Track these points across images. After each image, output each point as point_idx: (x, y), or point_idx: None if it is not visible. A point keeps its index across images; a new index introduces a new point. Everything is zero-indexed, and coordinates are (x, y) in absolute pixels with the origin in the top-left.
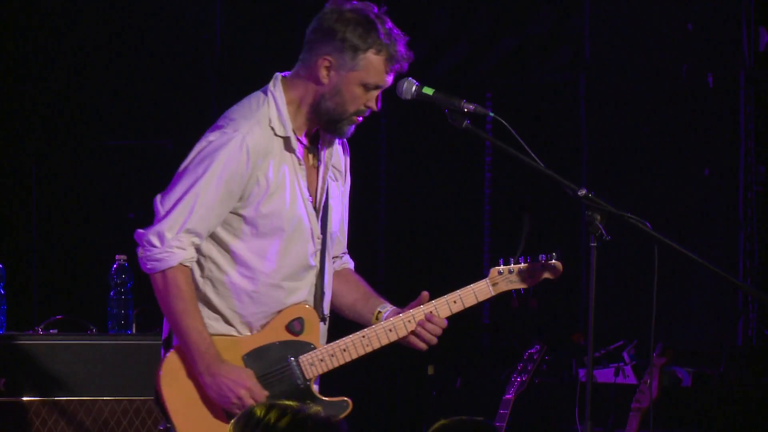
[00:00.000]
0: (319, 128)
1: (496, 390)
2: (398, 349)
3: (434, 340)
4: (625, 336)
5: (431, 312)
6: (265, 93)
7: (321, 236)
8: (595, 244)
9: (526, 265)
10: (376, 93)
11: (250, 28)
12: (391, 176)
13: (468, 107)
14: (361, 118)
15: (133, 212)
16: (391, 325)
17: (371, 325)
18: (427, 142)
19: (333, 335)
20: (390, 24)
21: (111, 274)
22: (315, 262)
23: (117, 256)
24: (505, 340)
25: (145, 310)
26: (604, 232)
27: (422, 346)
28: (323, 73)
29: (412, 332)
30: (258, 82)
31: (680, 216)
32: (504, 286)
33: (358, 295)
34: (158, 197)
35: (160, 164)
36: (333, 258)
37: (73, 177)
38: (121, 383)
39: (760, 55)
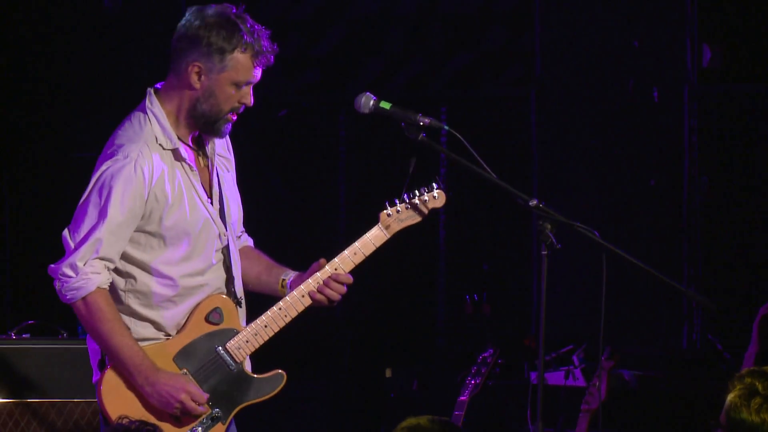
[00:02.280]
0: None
1: (451, 392)
2: (357, 353)
3: (338, 297)
4: (574, 340)
5: (336, 270)
6: (144, 111)
7: (226, 233)
8: (546, 252)
9: (409, 202)
10: (247, 89)
11: None
12: (350, 188)
13: (423, 121)
14: (235, 116)
15: None
16: (302, 291)
17: (278, 293)
18: (383, 154)
19: (253, 315)
20: (251, 21)
21: None
22: (221, 255)
23: None
24: (460, 345)
25: None
26: (554, 240)
27: (327, 303)
28: (194, 78)
29: (319, 291)
30: None
31: (627, 224)
32: (396, 226)
33: (261, 268)
34: (66, 232)
35: None
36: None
37: (45, 187)
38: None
39: (704, 71)
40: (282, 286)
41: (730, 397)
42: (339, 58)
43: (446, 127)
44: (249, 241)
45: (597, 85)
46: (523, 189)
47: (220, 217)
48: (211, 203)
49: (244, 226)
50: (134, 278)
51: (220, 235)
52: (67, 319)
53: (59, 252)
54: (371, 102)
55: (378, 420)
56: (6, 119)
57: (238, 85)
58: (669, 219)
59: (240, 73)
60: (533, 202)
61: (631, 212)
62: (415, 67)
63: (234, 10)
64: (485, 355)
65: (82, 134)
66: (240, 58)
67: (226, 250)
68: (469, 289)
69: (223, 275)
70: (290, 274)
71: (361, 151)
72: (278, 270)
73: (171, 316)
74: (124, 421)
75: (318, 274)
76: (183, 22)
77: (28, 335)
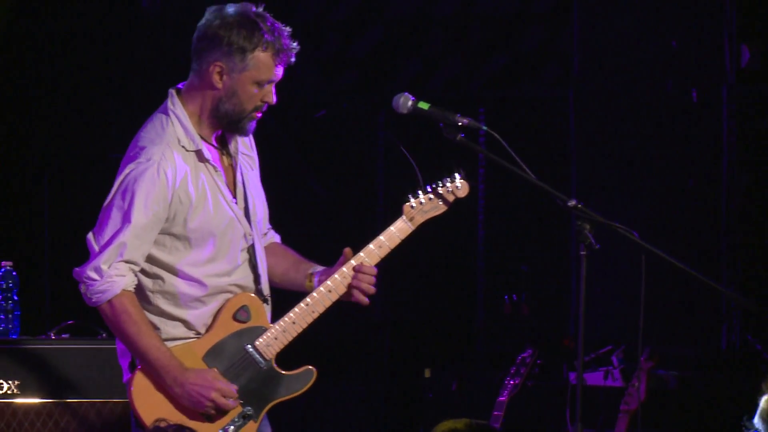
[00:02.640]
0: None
1: (490, 392)
2: (396, 353)
3: (372, 290)
4: (613, 341)
5: (361, 263)
6: (166, 113)
7: (251, 233)
8: (585, 253)
9: (432, 193)
10: (269, 88)
11: None
12: (389, 189)
13: (462, 121)
14: (260, 114)
15: None
16: (329, 286)
17: (305, 288)
18: (421, 155)
19: (278, 313)
20: (271, 20)
21: None
22: (247, 254)
23: None
24: (499, 345)
25: None
26: (593, 241)
27: (363, 299)
28: (216, 78)
29: (351, 286)
30: None
31: (665, 225)
32: (420, 218)
33: (288, 264)
34: (90, 235)
35: None
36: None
37: (84, 186)
38: None
39: (742, 71)
40: (309, 281)
41: (764, 399)
42: (377, 58)
43: (484, 128)
44: (276, 238)
45: (635, 85)
46: (561, 189)
47: (246, 217)
48: (236, 203)
49: (279, 224)
50: (162, 279)
51: (245, 234)
52: None
53: None
54: (409, 102)
55: (416, 420)
56: (44, 119)
57: (260, 84)
58: (708, 219)
59: (262, 71)
60: (572, 203)
61: (669, 213)
62: (453, 68)
63: (254, 9)
64: (524, 355)
65: (121, 134)
66: (261, 57)
67: (251, 249)
68: (508, 290)
69: (250, 274)
70: (317, 269)
71: (399, 151)
72: (305, 265)
73: (200, 314)
74: (162, 424)
75: (343, 268)
76: (203, 21)
77: (67, 335)
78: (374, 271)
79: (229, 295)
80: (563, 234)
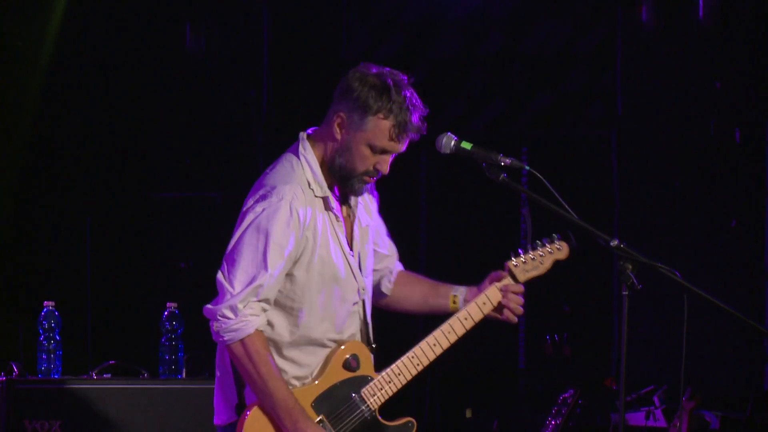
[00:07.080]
0: None
1: None
2: (438, 393)
3: (521, 310)
4: (655, 381)
5: (503, 288)
6: (297, 155)
7: (364, 287)
8: (627, 293)
9: (534, 252)
10: (384, 157)
11: (296, 83)
12: (431, 228)
13: (504, 161)
14: (371, 180)
15: (183, 262)
16: (450, 326)
17: (449, 311)
18: (465, 195)
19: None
20: (409, 93)
21: (162, 321)
22: (356, 309)
23: (168, 304)
24: (540, 385)
25: (195, 356)
26: (635, 281)
27: (513, 318)
28: (336, 129)
29: (500, 306)
30: None
31: (708, 265)
32: (522, 277)
33: (426, 289)
34: (221, 274)
35: (209, 216)
36: (388, 269)
37: (126, 227)
38: (172, 426)
39: None
40: (453, 303)
41: None
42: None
43: (527, 167)
44: (401, 267)
45: (678, 125)
46: (603, 229)
47: (359, 271)
48: (353, 256)
49: None
50: (270, 324)
51: (358, 289)
52: (147, 359)
53: (139, 292)
54: (452, 142)
55: None
56: (86, 161)
57: (372, 149)
58: (750, 259)
59: (376, 137)
60: (614, 243)
61: (712, 253)
62: (496, 108)
63: (402, 77)
64: (566, 395)
65: (161, 175)
66: (379, 123)
67: (363, 305)
68: (550, 330)
69: (357, 330)
70: (460, 290)
71: (442, 191)
72: (445, 288)
73: (296, 365)
74: None
75: (459, 315)
76: (348, 72)
77: (108, 375)
78: (521, 289)
79: (327, 350)
80: (605, 274)
